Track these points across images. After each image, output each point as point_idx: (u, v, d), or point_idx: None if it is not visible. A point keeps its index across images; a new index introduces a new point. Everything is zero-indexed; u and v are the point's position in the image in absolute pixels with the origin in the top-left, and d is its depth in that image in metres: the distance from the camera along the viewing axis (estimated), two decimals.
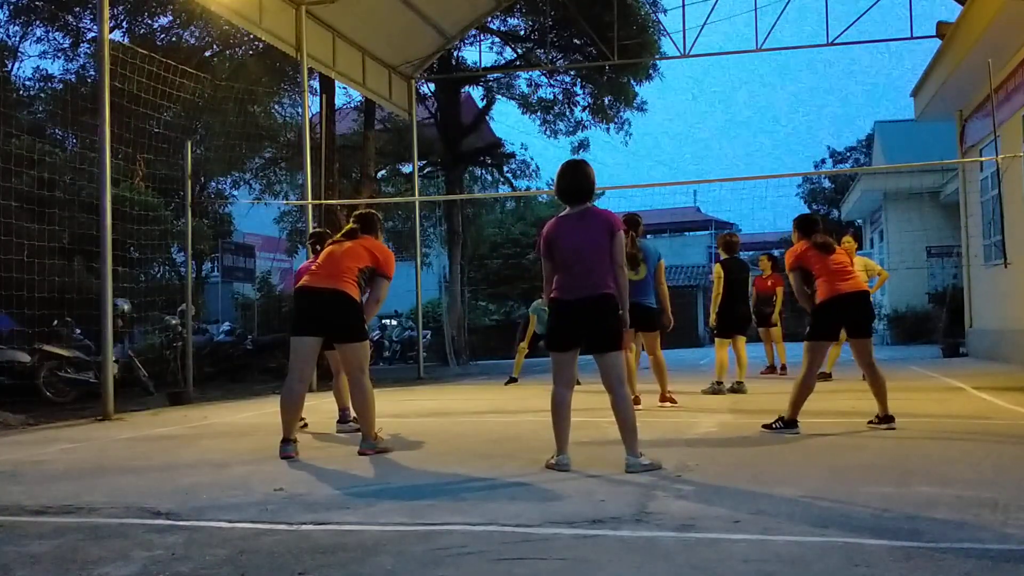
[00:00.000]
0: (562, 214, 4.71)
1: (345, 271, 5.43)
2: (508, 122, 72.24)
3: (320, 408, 7.54)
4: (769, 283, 11.81)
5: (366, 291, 5.61)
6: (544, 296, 4.84)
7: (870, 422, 5.96)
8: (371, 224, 5.86)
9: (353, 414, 6.73)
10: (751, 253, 52.75)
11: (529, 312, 12.23)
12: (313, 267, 5.69)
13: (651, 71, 18.62)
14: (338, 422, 6.72)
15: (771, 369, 11.79)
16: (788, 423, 5.78)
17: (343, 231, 5.83)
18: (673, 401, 7.91)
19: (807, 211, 40.76)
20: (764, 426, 5.90)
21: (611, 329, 4.54)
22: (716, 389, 9.01)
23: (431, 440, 6.02)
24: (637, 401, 7.77)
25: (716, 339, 9.60)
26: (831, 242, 6.18)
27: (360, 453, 5.33)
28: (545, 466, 4.57)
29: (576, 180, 4.65)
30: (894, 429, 5.77)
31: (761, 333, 12.01)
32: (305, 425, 6.72)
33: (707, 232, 44.96)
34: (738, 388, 9.00)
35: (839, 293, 5.89)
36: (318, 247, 7.08)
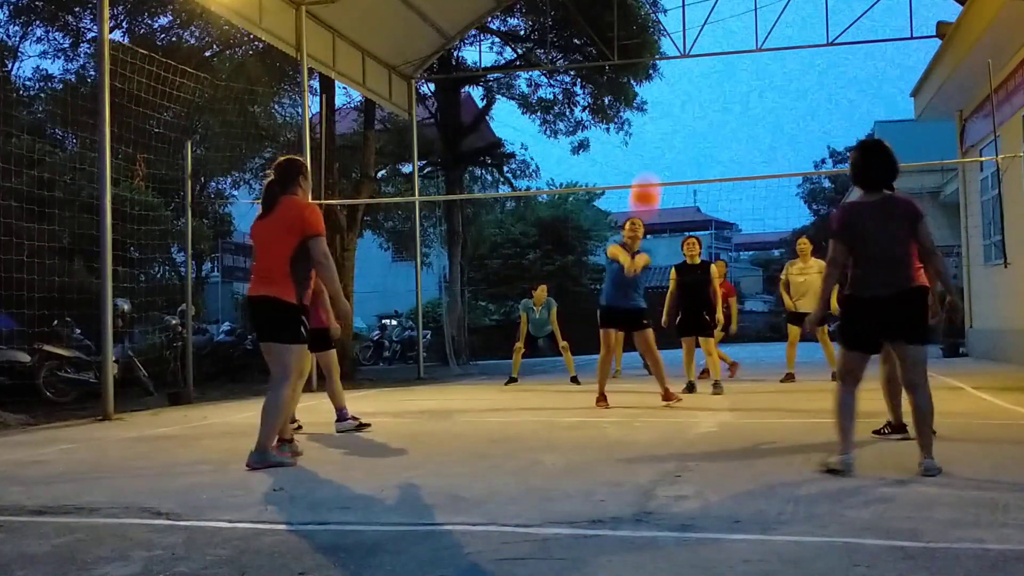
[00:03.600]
0: (862, 199, 4.50)
1: (277, 270, 4.90)
2: (508, 122, 72.28)
3: (319, 408, 7.55)
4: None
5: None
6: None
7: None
8: (290, 176, 5.09)
9: (351, 413, 6.74)
10: (752, 253, 52.86)
11: (520, 311, 12.16)
12: (253, 267, 5.15)
13: (651, 71, 18.62)
14: (336, 421, 6.72)
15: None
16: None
17: (264, 199, 5.11)
18: (678, 399, 7.84)
19: (807, 211, 40.85)
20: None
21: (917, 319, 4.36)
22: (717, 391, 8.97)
23: (431, 440, 6.03)
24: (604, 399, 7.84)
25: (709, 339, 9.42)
26: None
27: (249, 467, 4.76)
28: (826, 470, 4.23)
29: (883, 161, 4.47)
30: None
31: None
32: (300, 427, 6.73)
33: (707, 232, 45.03)
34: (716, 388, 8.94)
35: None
36: None
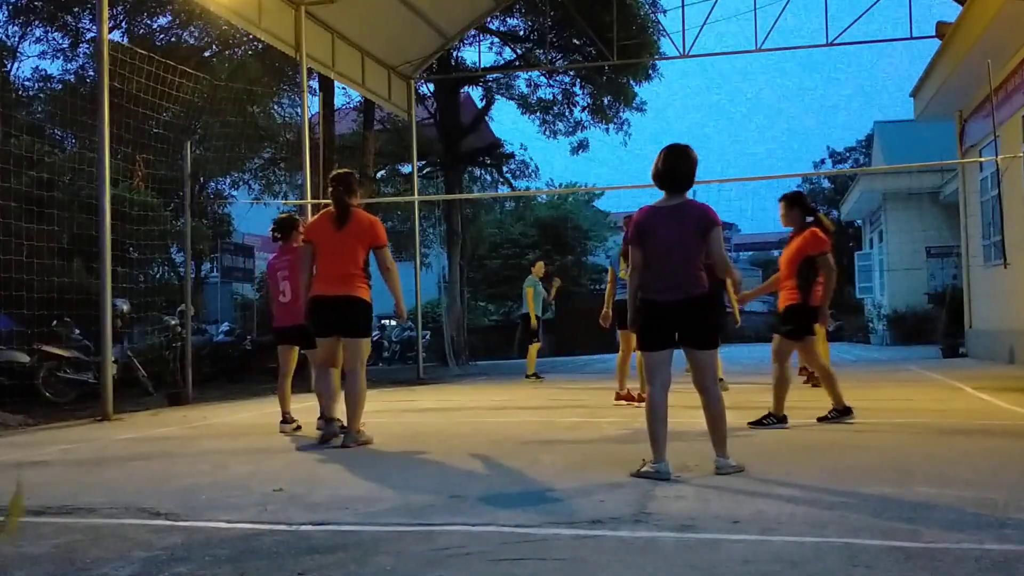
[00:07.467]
0: (659, 203, 4.42)
1: (356, 274, 5.63)
2: (508, 122, 72.28)
3: (318, 409, 7.53)
4: None
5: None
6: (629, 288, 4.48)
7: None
8: (354, 186, 5.81)
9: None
10: (751, 253, 52.83)
11: (526, 285, 12.14)
12: (319, 269, 5.73)
13: (650, 71, 18.63)
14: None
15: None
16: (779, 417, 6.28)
17: (337, 213, 5.70)
18: (631, 399, 7.90)
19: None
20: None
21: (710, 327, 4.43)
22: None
23: (431, 440, 6.02)
24: (639, 398, 7.83)
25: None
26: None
27: (342, 446, 5.60)
28: (635, 475, 4.25)
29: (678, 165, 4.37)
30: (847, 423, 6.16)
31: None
32: (298, 427, 6.72)
33: None
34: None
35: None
36: (278, 235, 6.82)
